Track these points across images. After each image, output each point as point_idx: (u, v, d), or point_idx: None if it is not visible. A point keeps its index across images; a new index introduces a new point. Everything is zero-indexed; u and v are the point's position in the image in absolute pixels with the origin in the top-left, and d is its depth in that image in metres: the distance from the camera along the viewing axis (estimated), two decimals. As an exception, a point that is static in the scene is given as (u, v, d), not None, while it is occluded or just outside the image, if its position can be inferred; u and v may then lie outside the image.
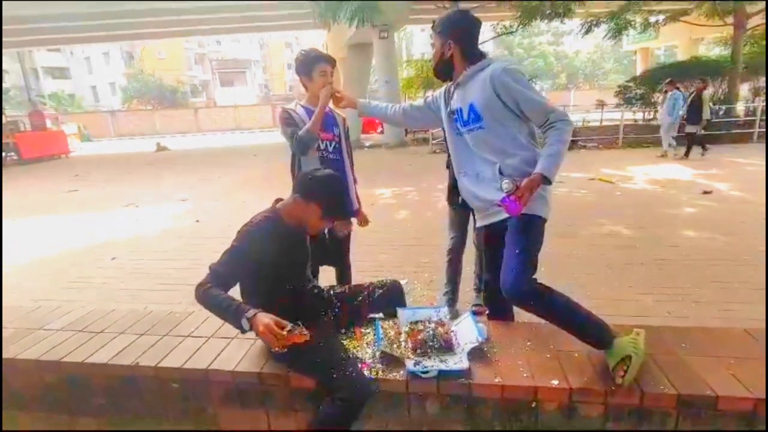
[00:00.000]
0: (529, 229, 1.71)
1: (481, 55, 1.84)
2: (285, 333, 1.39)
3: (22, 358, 1.86)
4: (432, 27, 1.90)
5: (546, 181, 1.63)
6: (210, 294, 1.49)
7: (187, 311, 2.23)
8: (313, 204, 1.67)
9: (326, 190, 1.69)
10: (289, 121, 2.25)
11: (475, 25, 1.86)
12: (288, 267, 1.75)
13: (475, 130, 1.80)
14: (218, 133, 29.48)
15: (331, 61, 2.31)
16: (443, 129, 2.03)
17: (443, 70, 1.89)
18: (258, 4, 16.34)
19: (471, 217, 2.75)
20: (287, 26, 25.12)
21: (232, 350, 1.82)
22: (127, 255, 4.46)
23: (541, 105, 1.70)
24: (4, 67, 18.66)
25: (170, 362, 1.77)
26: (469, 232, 2.79)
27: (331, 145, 2.34)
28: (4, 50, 19.11)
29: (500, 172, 1.75)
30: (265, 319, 1.40)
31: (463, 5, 11.96)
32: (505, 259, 1.68)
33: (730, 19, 11.52)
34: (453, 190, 2.51)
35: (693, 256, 3.67)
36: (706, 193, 5.93)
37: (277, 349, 1.42)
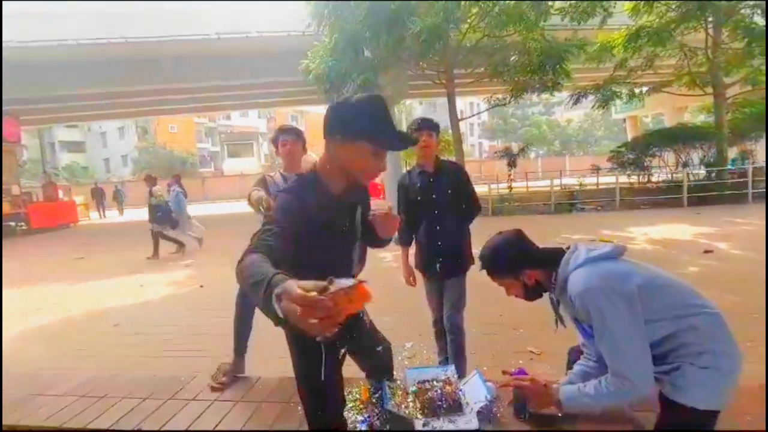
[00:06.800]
0: None
1: (552, 257, 1.51)
2: (330, 302, 0.79)
3: (23, 424, 1.81)
4: (490, 271, 1.56)
5: (557, 405, 1.49)
6: (246, 262, 1.01)
7: (191, 375, 2.20)
8: (359, 142, 1.25)
9: (371, 116, 1.26)
10: (258, 186, 2.50)
11: (523, 235, 1.56)
12: (332, 242, 1.31)
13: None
14: (224, 202, 30.15)
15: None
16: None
17: (535, 295, 1.58)
18: (267, 81, 17.51)
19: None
20: (294, 101, 26.76)
21: (237, 413, 1.78)
22: (129, 321, 4.42)
23: (616, 355, 1.36)
24: (23, 142, 19.57)
25: (174, 426, 1.73)
26: None
27: None
28: (24, 127, 20.23)
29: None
30: (292, 295, 0.82)
31: (458, 81, 12.86)
32: None
33: (709, 89, 12.27)
34: (428, 259, 2.49)
35: (701, 315, 3.62)
36: (707, 252, 5.96)
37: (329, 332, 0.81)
